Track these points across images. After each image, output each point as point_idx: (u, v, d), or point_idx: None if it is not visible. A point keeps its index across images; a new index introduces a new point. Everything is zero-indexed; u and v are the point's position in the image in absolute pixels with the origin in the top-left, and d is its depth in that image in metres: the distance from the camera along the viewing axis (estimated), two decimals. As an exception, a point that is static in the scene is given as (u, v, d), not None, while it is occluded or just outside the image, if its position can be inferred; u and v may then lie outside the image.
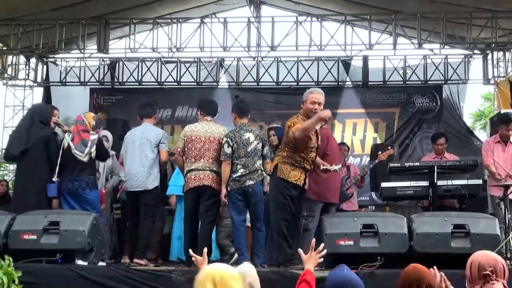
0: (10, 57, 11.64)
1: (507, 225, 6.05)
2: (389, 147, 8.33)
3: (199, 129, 6.49)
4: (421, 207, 8.08)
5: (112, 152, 7.55)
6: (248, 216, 6.48)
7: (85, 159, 6.54)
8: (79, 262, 5.81)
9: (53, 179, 6.53)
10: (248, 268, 3.51)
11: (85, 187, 6.54)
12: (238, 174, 6.22)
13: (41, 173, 6.67)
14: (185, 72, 11.50)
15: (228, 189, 6.26)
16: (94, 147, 6.57)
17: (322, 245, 4.01)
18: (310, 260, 3.88)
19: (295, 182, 5.89)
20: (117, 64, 11.77)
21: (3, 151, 13.14)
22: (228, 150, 6.26)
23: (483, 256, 3.42)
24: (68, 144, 6.60)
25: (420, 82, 11.36)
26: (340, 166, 6.59)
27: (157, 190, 6.74)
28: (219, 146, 6.39)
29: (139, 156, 6.65)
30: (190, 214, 6.44)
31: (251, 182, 6.19)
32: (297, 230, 6.11)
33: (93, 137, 6.64)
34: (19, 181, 7.03)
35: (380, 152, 8.31)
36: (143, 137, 6.74)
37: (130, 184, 6.69)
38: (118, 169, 7.53)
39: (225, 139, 6.32)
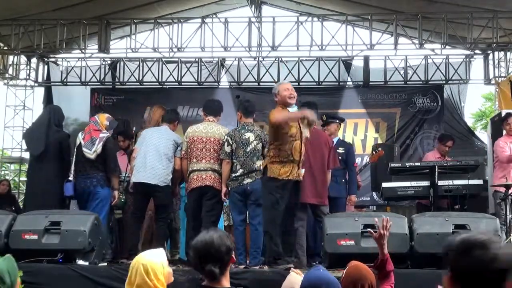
0: (11, 57, 11.64)
1: (508, 224, 6.06)
2: (379, 149, 8.32)
3: (200, 129, 6.51)
4: (416, 206, 8.02)
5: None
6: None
7: (92, 156, 6.58)
8: (80, 262, 5.83)
9: (70, 178, 6.61)
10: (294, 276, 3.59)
11: (96, 184, 6.60)
12: (238, 174, 6.23)
13: (55, 175, 6.77)
14: (186, 72, 11.49)
15: (228, 188, 6.27)
16: (101, 144, 6.60)
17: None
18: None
19: (286, 178, 5.78)
20: (118, 64, 11.77)
21: (4, 151, 13.22)
22: (227, 149, 6.29)
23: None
24: (80, 143, 6.68)
25: (421, 82, 11.35)
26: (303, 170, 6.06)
27: (168, 189, 6.65)
28: (219, 147, 6.40)
29: (156, 150, 6.57)
30: (192, 214, 6.45)
31: (249, 180, 6.18)
32: (289, 229, 6.03)
33: (103, 135, 6.67)
34: (34, 181, 7.08)
35: (372, 153, 8.32)
36: (161, 135, 6.68)
37: (141, 175, 6.56)
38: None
39: (225, 137, 6.34)
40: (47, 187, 6.75)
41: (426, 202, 7.66)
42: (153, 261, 3.28)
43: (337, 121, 7.45)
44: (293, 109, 5.98)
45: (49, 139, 6.83)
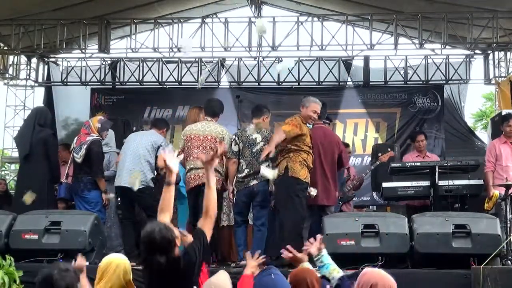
0: (11, 57, 11.64)
1: (508, 224, 6.04)
2: (389, 149, 8.31)
3: (198, 128, 6.53)
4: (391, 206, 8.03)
5: (114, 150, 7.54)
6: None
7: (79, 160, 6.65)
8: (80, 262, 5.80)
9: (62, 181, 6.74)
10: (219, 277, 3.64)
11: (83, 188, 6.71)
12: (243, 174, 6.28)
13: (41, 175, 6.79)
14: (186, 72, 11.49)
15: (235, 189, 6.31)
16: (85, 147, 6.63)
17: (259, 253, 4.16)
18: (249, 265, 4.05)
19: (305, 181, 5.97)
20: (118, 64, 11.77)
21: (4, 151, 13.22)
22: (234, 148, 6.36)
23: (381, 280, 3.08)
24: (73, 147, 6.80)
25: (421, 82, 11.35)
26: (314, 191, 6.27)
27: (147, 190, 6.61)
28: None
29: (134, 154, 6.64)
30: (193, 213, 6.44)
31: (255, 182, 6.24)
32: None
33: (89, 138, 6.71)
34: (20, 183, 7.15)
35: (380, 154, 8.29)
36: (143, 138, 6.76)
37: (119, 180, 6.65)
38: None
39: (233, 137, 6.41)
40: (32, 186, 6.77)
41: (417, 203, 7.68)
42: (126, 261, 3.36)
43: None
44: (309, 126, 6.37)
45: (33, 139, 6.88)
